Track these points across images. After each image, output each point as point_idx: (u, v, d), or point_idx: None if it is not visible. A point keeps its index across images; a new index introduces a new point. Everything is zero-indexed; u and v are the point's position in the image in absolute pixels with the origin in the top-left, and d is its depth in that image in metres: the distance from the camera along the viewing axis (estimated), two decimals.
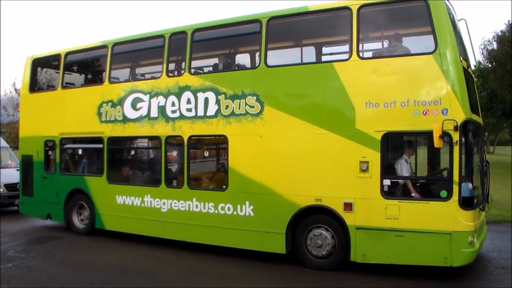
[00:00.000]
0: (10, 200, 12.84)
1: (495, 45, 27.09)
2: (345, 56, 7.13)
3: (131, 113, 8.91)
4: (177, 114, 8.34)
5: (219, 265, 7.57)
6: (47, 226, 11.08)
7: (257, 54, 7.88)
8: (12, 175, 13.22)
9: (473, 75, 7.76)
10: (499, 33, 26.49)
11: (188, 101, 8.20)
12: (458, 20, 7.48)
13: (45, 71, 10.92)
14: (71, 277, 6.90)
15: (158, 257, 8.09)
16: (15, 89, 23.97)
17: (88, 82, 10.53)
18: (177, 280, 6.85)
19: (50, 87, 10.61)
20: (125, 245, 8.92)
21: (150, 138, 8.96)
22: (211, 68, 8.71)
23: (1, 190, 12.83)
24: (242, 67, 8.60)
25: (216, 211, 7.90)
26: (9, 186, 12.95)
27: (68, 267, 7.49)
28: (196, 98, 8.12)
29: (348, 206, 6.88)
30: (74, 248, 8.82)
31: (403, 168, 6.95)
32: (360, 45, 7.09)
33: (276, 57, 8.35)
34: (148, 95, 8.69)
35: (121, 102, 9.05)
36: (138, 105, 8.81)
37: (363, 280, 6.74)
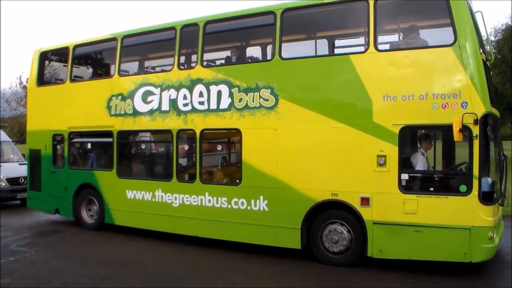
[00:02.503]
0: (12, 194, 12.99)
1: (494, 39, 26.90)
2: (362, 49, 7.03)
3: (141, 107, 8.81)
4: (189, 108, 8.24)
5: (222, 260, 7.59)
6: (49, 220, 11.09)
7: (271, 46, 7.76)
8: (14, 169, 13.42)
9: (489, 68, 7.66)
10: (507, 25, 26.33)
11: (201, 94, 8.11)
12: (475, 12, 7.37)
13: (53, 64, 10.77)
14: (72, 271, 6.95)
15: (160, 252, 8.12)
16: (20, 83, 23.84)
17: (97, 75, 10.43)
18: (180, 274, 6.87)
19: (58, 81, 10.50)
20: (128, 240, 8.94)
21: (161, 131, 8.84)
22: (223, 61, 8.62)
23: (3, 184, 12.89)
24: (255, 60, 8.51)
25: (229, 206, 7.83)
26: (11, 180, 13.01)
27: (70, 261, 7.53)
28: (208, 91, 8.02)
29: (365, 201, 6.81)
30: (76, 242, 8.87)
31: (420, 161, 6.86)
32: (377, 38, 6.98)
33: (289, 49, 8.28)
34: (159, 88, 8.59)
35: (131, 95, 8.95)
36: (149, 98, 8.71)
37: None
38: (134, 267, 7.17)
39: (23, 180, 13.13)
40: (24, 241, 8.93)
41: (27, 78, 23.85)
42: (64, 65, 10.63)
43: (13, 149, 15.07)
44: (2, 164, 13.41)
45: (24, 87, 23.75)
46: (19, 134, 24.39)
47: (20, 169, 13.62)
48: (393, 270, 6.79)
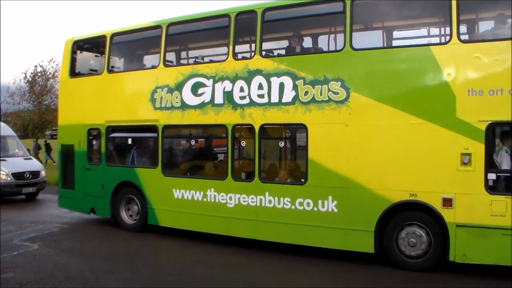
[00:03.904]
0: (18, 189, 13.22)
1: None
2: (444, 39, 6.75)
3: (191, 99, 8.42)
4: (246, 101, 7.88)
5: (224, 255, 7.69)
6: (52, 215, 11.18)
7: (341, 36, 7.43)
8: (20, 164, 13.71)
9: None
10: None
11: (260, 86, 7.75)
12: None
13: (85, 54, 10.31)
14: (75, 266, 7.04)
15: (163, 247, 8.28)
16: (25, 77, 23.58)
17: (138, 66, 9.99)
18: (182, 269, 6.97)
19: (93, 71, 10.06)
20: (132, 235, 9.01)
21: (214, 126, 8.44)
22: (281, 51, 8.27)
23: (9, 179, 13.00)
24: (319, 50, 8.16)
25: (292, 207, 7.49)
26: (17, 175, 13.14)
27: (73, 256, 7.63)
28: (269, 83, 7.67)
29: (447, 202, 6.53)
30: (79, 237, 9.00)
31: (505, 160, 6.59)
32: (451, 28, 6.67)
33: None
34: (211, 80, 8.22)
35: (179, 87, 8.55)
36: (200, 91, 8.32)
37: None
38: (136, 262, 7.30)
39: (28, 175, 13.44)
40: (27, 235, 8.94)
41: (31, 73, 23.96)
42: (96, 55, 10.26)
43: (18, 143, 15.20)
44: (7, 158, 13.60)
45: (28, 82, 23.55)
46: (22, 129, 24.04)
47: (25, 164, 13.94)
48: None
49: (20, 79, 23.96)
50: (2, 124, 15.59)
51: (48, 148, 26.32)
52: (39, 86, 23.56)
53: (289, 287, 6.36)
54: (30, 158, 15.00)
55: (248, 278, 6.55)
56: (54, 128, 38.79)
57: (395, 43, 8.18)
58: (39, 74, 23.50)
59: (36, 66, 23.86)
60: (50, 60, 23.62)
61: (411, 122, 6.72)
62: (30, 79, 23.64)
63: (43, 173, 14.22)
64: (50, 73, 23.63)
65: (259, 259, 7.47)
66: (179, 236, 8.66)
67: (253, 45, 8.38)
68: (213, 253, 7.82)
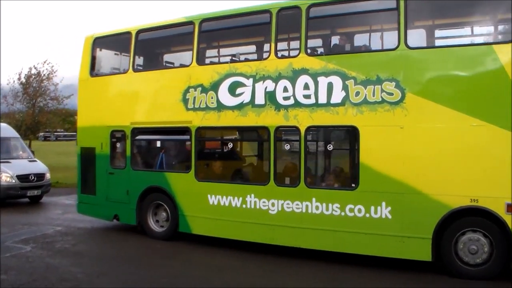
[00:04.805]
0: (22, 192, 13.17)
1: None
2: (507, 38, 6.56)
3: (228, 100, 8.08)
4: (291, 101, 7.57)
5: (218, 258, 7.81)
6: (46, 217, 11.32)
7: (389, 33, 7.23)
8: (24, 166, 13.66)
9: None
10: None
11: (306, 86, 7.46)
12: None
13: (107, 52, 9.87)
14: (68, 268, 7.09)
15: (157, 249, 8.31)
16: (19, 78, 22.98)
17: (168, 64, 9.59)
18: (175, 271, 7.04)
19: (116, 70, 9.64)
20: (125, 237, 9.17)
21: (255, 128, 8.12)
22: (322, 50, 8.01)
23: (14, 181, 12.90)
24: (370, 48, 7.90)
25: (342, 214, 7.21)
26: (21, 177, 13.10)
27: (66, 258, 7.66)
28: (316, 82, 7.38)
29: (511, 208, 6.35)
30: (72, 239, 9.01)
31: None
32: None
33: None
34: (251, 79, 7.89)
35: (214, 87, 8.21)
36: (238, 91, 7.98)
37: None
38: (130, 264, 7.38)
39: (33, 177, 13.37)
40: (20, 237, 8.97)
41: (25, 74, 23.34)
42: (115, 53, 9.85)
43: (21, 145, 15.05)
44: (11, 160, 13.53)
45: (22, 84, 23.03)
46: (15, 130, 23.41)
47: (30, 166, 13.85)
48: None
49: (14, 81, 23.41)
50: (6, 125, 15.26)
51: None
52: (33, 88, 23.00)
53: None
54: (35, 160, 14.66)
55: (242, 280, 6.63)
56: (47, 130, 38.04)
57: (443, 42, 8.02)
58: (33, 76, 22.94)
59: (30, 68, 23.40)
60: (44, 62, 23.11)
61: (471, 124, 6.51)
62: (24, 81, 23.04)
63: (48, 175, 14.01)
64: (44, 75, 23.08)
65: (252, 261, 7.56)
66: (173, 239, 8.70)
67: (291, 42, 8.10)
68: (207, 255, 7.91)
